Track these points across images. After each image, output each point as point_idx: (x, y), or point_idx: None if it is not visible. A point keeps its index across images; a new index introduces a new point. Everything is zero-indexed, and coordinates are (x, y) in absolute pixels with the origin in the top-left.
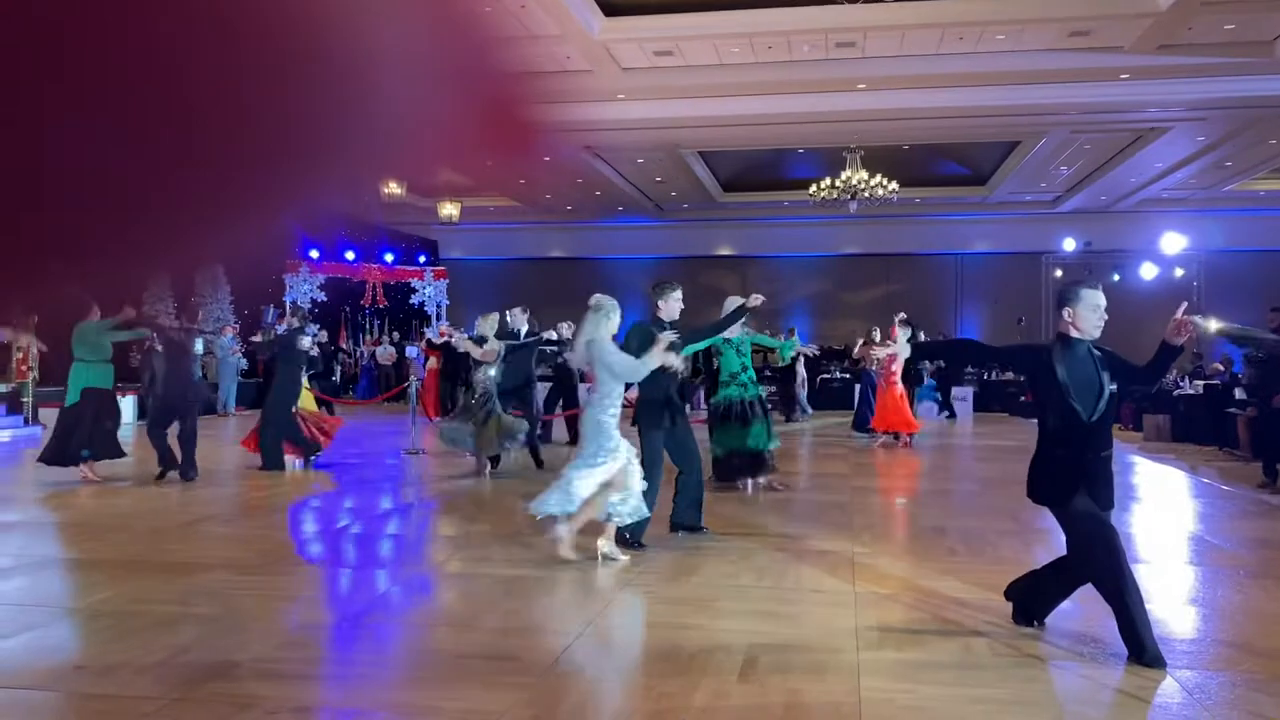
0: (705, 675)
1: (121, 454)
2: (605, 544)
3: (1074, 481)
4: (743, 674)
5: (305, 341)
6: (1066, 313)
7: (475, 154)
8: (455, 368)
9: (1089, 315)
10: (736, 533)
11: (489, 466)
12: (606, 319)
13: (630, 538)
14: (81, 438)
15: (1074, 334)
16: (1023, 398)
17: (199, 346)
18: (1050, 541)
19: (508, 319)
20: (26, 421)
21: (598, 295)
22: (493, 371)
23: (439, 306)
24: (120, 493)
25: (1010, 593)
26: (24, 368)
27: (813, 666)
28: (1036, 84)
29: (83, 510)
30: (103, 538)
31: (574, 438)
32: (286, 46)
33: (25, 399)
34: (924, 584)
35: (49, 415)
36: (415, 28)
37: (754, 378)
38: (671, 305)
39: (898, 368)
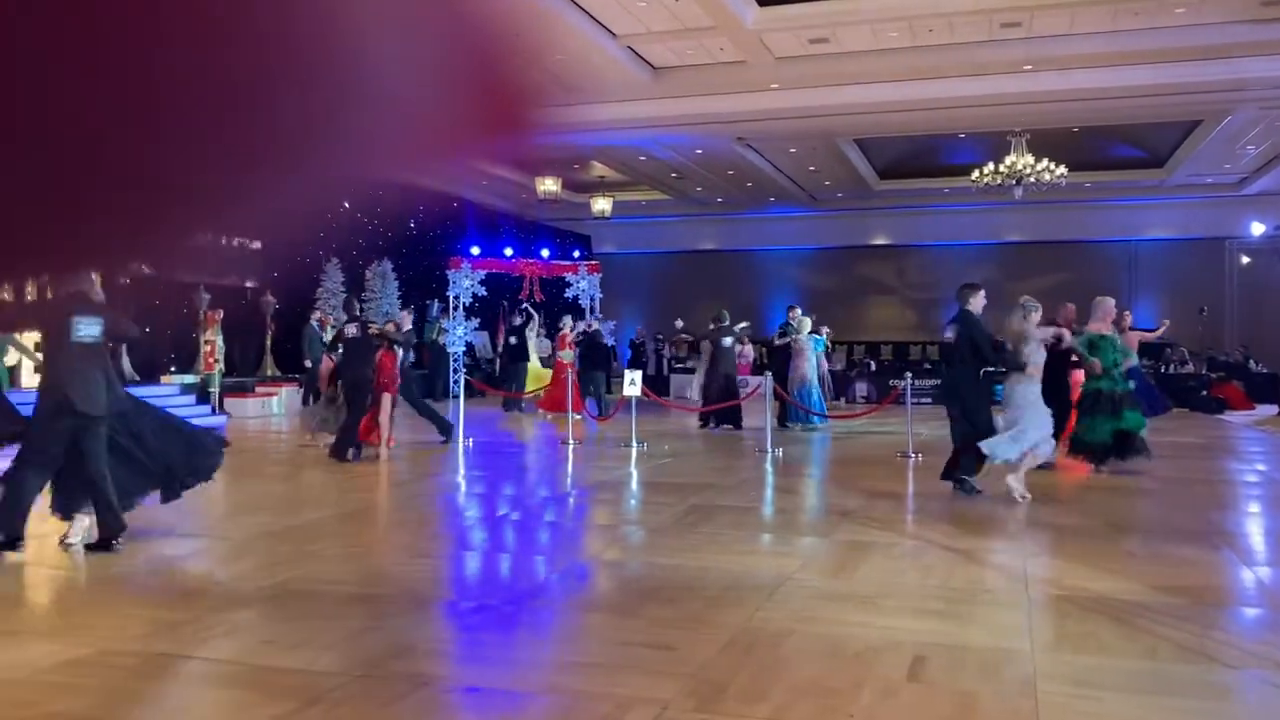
0: (871, 674)
1: None
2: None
3: None
4: (911, 673)
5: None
6: None
7: (465, 139)
8: (596, 359)
9: None
10: (902, 529)
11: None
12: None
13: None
14: None
15: None
16: (1204, 391)
17: (82, 330)
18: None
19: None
20: (214, 410)
21: (1026, 295)
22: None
23: (592, 300)
24: (284, 479)
25: None
26: (211, 360)
27: (985, 668)
28: (1220, 59)
29: (264, 495)
30: (284, 520)
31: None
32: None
33: (212, 389)
34: (1101, 586)
35: (233, 404)
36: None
37: (1123, 372)
38: (979, 303)
39: None
